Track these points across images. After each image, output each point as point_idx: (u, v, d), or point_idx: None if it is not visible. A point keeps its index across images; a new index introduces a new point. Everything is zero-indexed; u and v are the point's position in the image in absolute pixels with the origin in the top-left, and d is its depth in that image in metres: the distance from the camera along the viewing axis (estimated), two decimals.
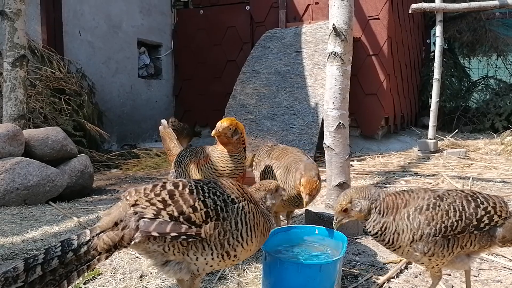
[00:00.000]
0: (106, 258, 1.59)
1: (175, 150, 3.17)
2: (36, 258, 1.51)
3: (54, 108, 5.54)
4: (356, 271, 2.34)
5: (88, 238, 1.58)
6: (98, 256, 1.57)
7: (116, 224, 1.61)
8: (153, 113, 8.31)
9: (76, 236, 1.60)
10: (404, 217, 1.75)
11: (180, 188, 1.66)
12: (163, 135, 3.34)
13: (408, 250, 1.76)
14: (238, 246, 1.68)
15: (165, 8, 8.62)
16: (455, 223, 1.72)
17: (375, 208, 1.79)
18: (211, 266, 1.69)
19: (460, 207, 1.75)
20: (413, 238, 1.74)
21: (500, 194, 4.00)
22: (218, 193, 1.68)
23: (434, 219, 1.72)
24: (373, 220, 1.79)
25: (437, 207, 1.75)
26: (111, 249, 1.59)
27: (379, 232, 1.78)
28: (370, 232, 1.82)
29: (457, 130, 8.02)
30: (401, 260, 2.41)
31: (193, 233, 1.60)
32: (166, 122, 3.45)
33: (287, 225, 2.75)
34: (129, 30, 7.79)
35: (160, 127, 3.36)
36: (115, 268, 2.33)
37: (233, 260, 1.72)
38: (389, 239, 1.77)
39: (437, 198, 1.78)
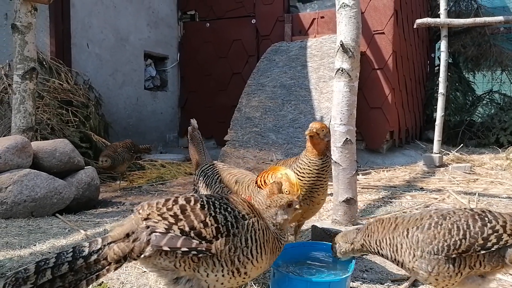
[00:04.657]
0: (115, 269, 1.61)
1: (201, 160, 2.96)
2: (47, 261, 1.54)
3: (61, 120, 5.58)
4: None
5: (99, 246, 1.60)
6: (107, 266, 1.59)
7: (127, 235, 1.63)
8: (159, 124, 8.37)
9: (88, 243, 1.62)
10: (402, 234, 1.81)
11: (192, 203, 1.67)
12: (191, 137, 3.04)
13: (413, 267, 1.78)
14: (248, 263, 1.68)
15: (172, 21, 8.72)
16: (459, 241, 1.71)
17: (362, 238, 1.97)
18: (222, 283, 1.69)
19: (465, 226, 1.73)
20: (414, 254, 1.76)
21: (506, 210, 3.98)
22: (229, 209, 1.69)
23: (436, 238, 1.73)
24: (362, 243, 1.98)
25: (439, 226, 1.75)
26: (120, 260, 1.60)
27: (376, 247, 1.91)
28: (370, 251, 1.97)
29: (462, 144, 8.00)
30: (408, 278, 2.40)
31: (204, 249, 1.60)
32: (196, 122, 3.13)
33: (295, 242, 2.75)
34: (136, 43, 7.88)
35: (189, 128, 3.07)
36: (123, 283, 2.33)
37: (244, 278, 1.72)
38: (387, 252, 1.85)
39: (440, 217, 1.78)
